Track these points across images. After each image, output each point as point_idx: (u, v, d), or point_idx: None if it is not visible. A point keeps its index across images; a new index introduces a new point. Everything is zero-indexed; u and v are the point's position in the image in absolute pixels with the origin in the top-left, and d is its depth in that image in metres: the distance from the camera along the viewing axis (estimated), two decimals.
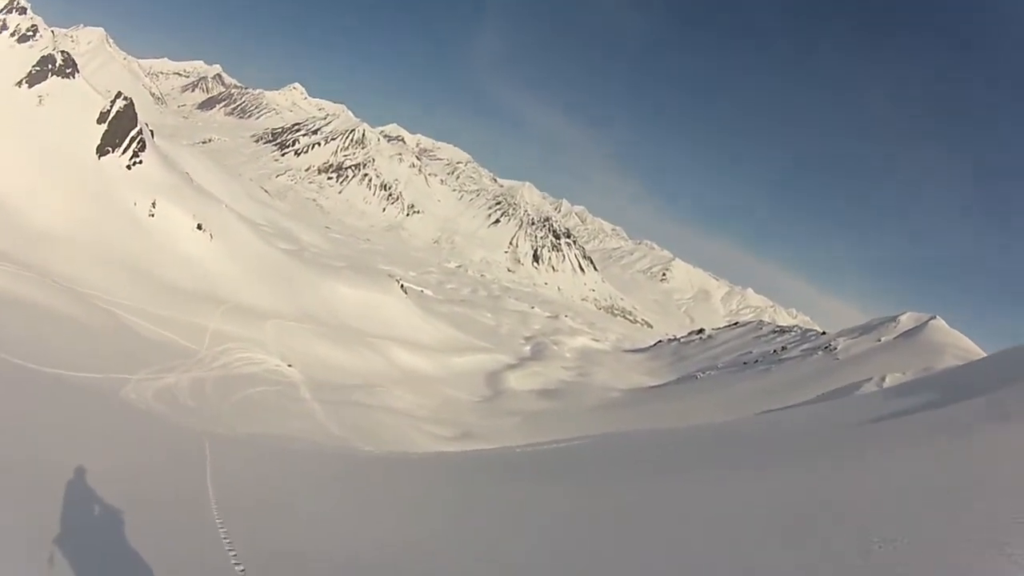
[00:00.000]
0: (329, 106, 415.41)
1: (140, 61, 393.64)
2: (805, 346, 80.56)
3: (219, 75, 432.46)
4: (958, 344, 62.71)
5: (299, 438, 31.49)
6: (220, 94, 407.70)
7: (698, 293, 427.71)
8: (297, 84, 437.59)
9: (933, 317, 70.73)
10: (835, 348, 71.78)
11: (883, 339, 70.45)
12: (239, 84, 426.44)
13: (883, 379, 42.45)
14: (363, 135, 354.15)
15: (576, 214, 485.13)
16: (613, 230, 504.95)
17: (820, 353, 72.11)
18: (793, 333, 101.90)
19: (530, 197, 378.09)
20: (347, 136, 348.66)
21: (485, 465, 20.43)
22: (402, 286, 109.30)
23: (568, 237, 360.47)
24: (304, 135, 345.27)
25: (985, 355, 49.17)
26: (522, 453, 21.68)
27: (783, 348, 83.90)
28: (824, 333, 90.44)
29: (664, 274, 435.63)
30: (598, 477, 16.38)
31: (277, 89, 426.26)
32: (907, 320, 74.26)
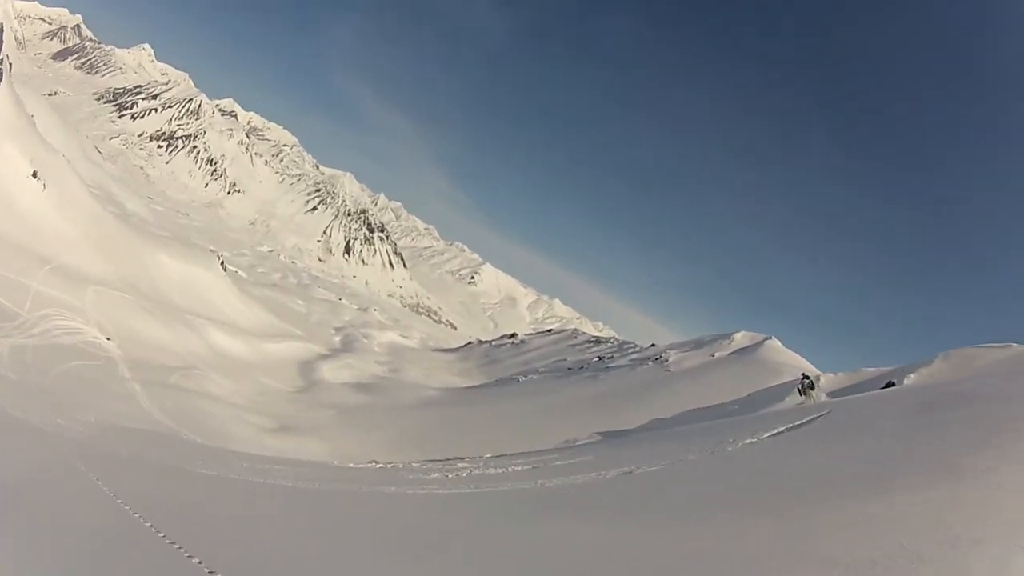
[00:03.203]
0: (172, 72, 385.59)
1: (15, 2, 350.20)
2: (633, 356, 77.43)
3: (78, 26, 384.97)
4: (796, 364, 57.52)
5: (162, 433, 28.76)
6: (75, 46, 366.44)
7: (505, 299, 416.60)
8: (146, 45, 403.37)
9: (768, 337, 67.74)
10: (666, 360, 68.79)
11: (716, 355, 67.57)
12: (94, 38, 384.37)
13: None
14: (199, 106, 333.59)
15: (392, 209, 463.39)
16: (426, 228, 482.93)
17: (651, 364, 69.43)
18: (610, 344, 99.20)
19: (349, 187, 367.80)
20: (184, 105, 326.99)
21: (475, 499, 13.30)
22: (223, 263, 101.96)
23: (382, 231, 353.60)
24: (144, 99, 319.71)
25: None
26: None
27: (611, 357, 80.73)
28: (653, 345, 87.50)
29: (472, 277, 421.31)
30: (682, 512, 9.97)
31: (127, 48, 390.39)
32: (741, 338, 71.47)
